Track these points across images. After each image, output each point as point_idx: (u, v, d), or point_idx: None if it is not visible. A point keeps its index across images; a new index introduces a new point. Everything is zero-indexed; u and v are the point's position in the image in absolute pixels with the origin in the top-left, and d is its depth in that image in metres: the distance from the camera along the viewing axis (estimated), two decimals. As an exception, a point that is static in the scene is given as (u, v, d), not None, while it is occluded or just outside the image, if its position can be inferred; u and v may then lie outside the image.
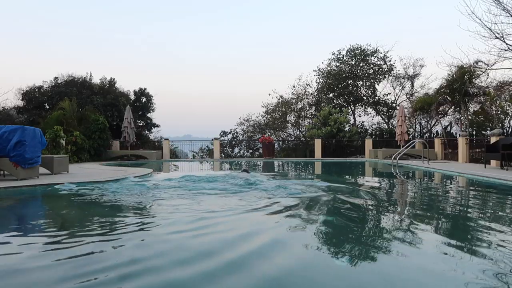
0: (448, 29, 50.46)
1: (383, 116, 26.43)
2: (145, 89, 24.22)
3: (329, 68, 26.17)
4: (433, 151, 17.09)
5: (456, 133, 21.26)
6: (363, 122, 26.48)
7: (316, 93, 26.46)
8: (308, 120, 26.07)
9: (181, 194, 6.12)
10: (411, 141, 15.64)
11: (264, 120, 26.58)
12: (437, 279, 2.43)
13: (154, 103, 24.59)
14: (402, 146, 16.39)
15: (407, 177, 10.65)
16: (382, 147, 19.39)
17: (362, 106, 26.66)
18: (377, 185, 8.63)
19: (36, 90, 21.23)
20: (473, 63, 16.21)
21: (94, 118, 16.99)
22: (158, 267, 2.63)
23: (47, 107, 20.95)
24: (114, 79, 23.49)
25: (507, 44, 13.07)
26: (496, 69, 15.60)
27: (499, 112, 20.60)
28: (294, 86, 26.68)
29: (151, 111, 24.63)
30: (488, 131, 20.17)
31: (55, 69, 76.23)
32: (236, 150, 24.64)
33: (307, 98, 26.49)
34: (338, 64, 26.13)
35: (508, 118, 21.34)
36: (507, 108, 20.63)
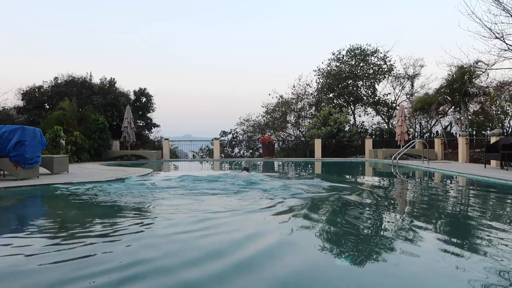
0: (448, 29, 50.51)
1: (383, 116, 26.43)
2: (145, 89, 24.24)
3: (329, 68, 26.18)
4: (433, 151, 17.08)
5: (456, 133, 21.26)
6: (363, 122, 26.52)
7: (316, 93, 26.46)
8: (308, 120, 26.07)
9: (182, 194, 6.11)
10: (411, 141, 15.64)
11: (264, 120, 26.58)
12: (443, 278, 2.43)
13: (154, 103, 24.63)
14: (402, 146, 16.39)
15: (407, 177, 10.65)
16: (382, 147, 19.39)
17: (362, 106, 26.66)
18: (378, 185, 8.62)
19: (36, 90, 21.23)
20: (473, 63, 16.22)
21: (94, 118, 16.99)
22: (161, 268, 2.62)
23: (47, 107, 20.94)
24: (114, 79, 23.51)
25: (507, 44, 13.08)
26: (496, 69, 15.62)
27: (499, 112, 20.60)
28: (294, 86, 26.72)
29: (151, 111, 24.63)
30: (488, 131, 20.17)
31: (55, 69, 76.37)
32: (236, 150, 24.64)
33: (307, 98, 26.49)
34: (338, 64, 26.13)
35: (508, 118, 21.35)
36: (507, 108, 20.63)
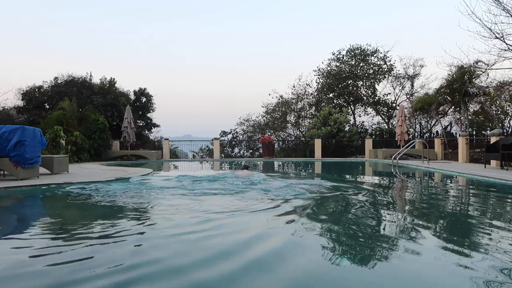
0: (448, 29, 50.53)
1: (383, 116, 26.44)
2: (145, 89, 24.24)
3: (329, 68, 26.18)
4: (433, 151, 17.08)
5: (456, 133, 21.26)
6: (363, 122, 26.53)
7: (316, 93, 26.47)
8: (308, 120, 26.07)
9: (183, 194, 6.09)
10: (411, 141, 15.64)
11: (264, 120, 26.58)
12: (449, 277, 2.44)
13: (154, 103, 24.63)
14: (402, 146, 16.39)
15: (408, 177, 10.65)
16: (382, 147, 19.39)
17: (362, 106, 26.67)
18: (380, 185, 8.62)
19: (36, 90, 21.24)
20: (473, 63, 16.22)
21: (94, 118, 16.99)
22: (168, 268, 2.60)
23: (47, 107, 20.94)
24: (114, 79, 23.52)
25: (507, 44, 13.08)
26: (496, 69, 15.62)
27: (499, 112, 20.60)
28: (294, 86, 26.72)
29: (151, 111, 24.64)
30: (488, 131, 20.17)
31: (55, 69, 76.35)
32: (236, 150, 24.64)
33: (307, 98, 26.49)
34: (338, 64, 26.14)
35: (508, 118, 21.35)
36: (507, 108, 20.63)
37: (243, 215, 4.44)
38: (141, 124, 24.42)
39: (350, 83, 26.04)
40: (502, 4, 12.35)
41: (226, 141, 24.56)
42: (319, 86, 26.32)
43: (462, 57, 30.71)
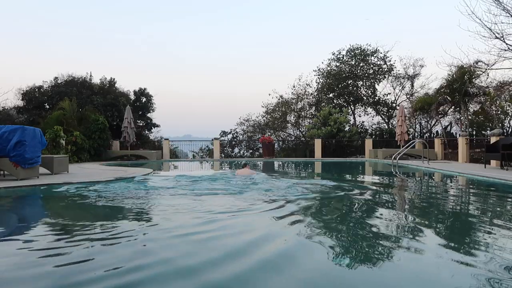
0: (448, 29, 50.51)
1: (383, 116, 26.43)
2: (145, 89, 24.24)
3: (329, 68, 26.17)
4: (433, 151, 17.08)
5: (456, 133, 21.26)
6: (363, 122, 26.52)
7: (316, 93, 26.46)
8: (308, 120, 26.07)
9: (184, 194, 6.10)
10: (411, 141, 15.64)
11: (264, 120, 26.57)
12: (451, 276, 2.44)
13: (154, 103, 24.63)
14: (402, 146, 16.39)
15: (408, 177, 10.65)
16: (382, 147, 19.39)
17: (362, 106, 26.66)
18: (380, 185, 8.62)
19: (36, 90, 21.23)
20: (473, 63, 16.21)
21: (94, 118, 16.99)
22: (178, 268, 2.60)
23: (47, 107, 20.94)
24: (114, 79, 23.51)
25: (507, 44, 13.08)
26: (496, 69, 15.62)
27: (499, 112, 20.60)
28: (294, 86, 26.71)
29: (151, 111, 24.63)
30: (488, 131, 20.17)
31: (55, 69, 76.37)
32: (236, 150, 24.64)
33: (307, 98, 26.49)
34: (338, 64, 26.13)
35: (508, 118, 21.35)
36: (507, 108, 20.63)
37: (247, 216, 4.43)
38: (141, 124, 24.42)
39: (350, 83, 26.03)
40: (502, 4, 12.36)
41: (226, 141, 24.56)
42: (319, 86, 26.32)
43: (462, 57, 30.73)
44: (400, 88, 25.78)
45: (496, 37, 12.88)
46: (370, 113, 26.74)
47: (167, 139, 20.72)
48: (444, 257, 2.87)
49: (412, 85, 25.23)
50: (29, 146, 7.56)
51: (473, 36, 15.18)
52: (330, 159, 18.68)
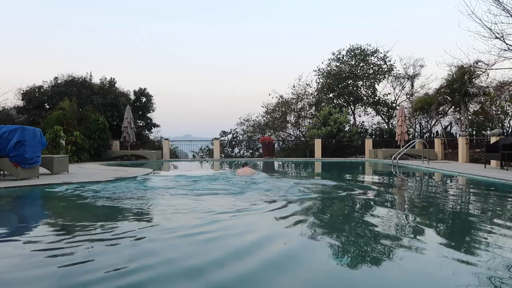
0: (448, 29, 50.51)
1: (383, 116, 26.42)
2: (145, 89, 24.24)
3: (329, 68, 26.16)
4: (433, 151, 17.08)
5: (456, 133, 21.25)
6: (363, 122, 26.51)
7: (316, 93, 26.45)
8: (308, 120, 26.06)
9: (185, 194, 6.09)
10: (411, 141, 15.63)
11: (264, 120, 26.57)
12: (450, 276, 2.44)
13: (154, 103, 24.62)
14: (402, 146, 16.39)
15: (408, 177, 10.65)
16: (382, 147, 19.39)
17: (362, 106, 26.65)
18: (380, 185, 8.62)
19: (36, 90, 21.23)
20: (473, 63, 16.21)
21: (94, 118, 16.99)
22: (184, 268, 2.60)
23: (47, 107, 20.94)
24: (114, 79, 23.51)
25: (507, 44, 13.08)
26: (496, 69, 15.62)
27: (499, 112, 20.60)
28: (294, 86, 26.70)
29: (151, 111, 24.63)
30: (488, 131, 20.17)
31: (55, 69, 76.41)
32: (236, 150, 24.63)
33: (307, 98, 26.48)
34: (338, 64, 26.12)
35: (508, 118, 21.35)
36: (507, 108, 20.63)
37: (249, 216, 4.42)
38: (141, 124, 24.42)
39: (350, 83, 26.02)
40: (502, 4, 12.36)
41: (226, 141, 24.56)
42: (319, 86, 26.32)
43: (462, 57, 30.72)
44: (400, 88, 25.80)
45: (496, 37, 12.88)
46: (370, 113, 26.77)
47: (167, 139, 20.72)
48: (448, 257, 2.87)
49: (412, 85, 25.24)
50: (29, 146, 7.56)
51: (473, 36, 15.20)
52: (330, 159, 18.68)
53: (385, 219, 4.43)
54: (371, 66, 25.77)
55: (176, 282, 2.35)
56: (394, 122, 24.39)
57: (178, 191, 6.47)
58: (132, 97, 23.97)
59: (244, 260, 2.77)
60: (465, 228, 4.10)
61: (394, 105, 25.75)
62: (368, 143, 19.64)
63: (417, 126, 24.56)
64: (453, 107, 19.94)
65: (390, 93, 25.99)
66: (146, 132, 25.12)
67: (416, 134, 24.03)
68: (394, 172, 11.50)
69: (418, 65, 24.56)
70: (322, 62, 29.25)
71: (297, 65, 77.25)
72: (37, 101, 20.88)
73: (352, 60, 25.87)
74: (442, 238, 3.61)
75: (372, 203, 5.63)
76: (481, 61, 15.68)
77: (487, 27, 12.78)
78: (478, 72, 17.37)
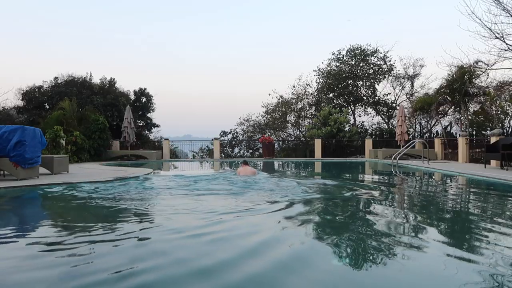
0: (448, 29, 50.53)
1: (383, 116, 26.42)
2: (145, 89, 24.24)
3: (329, 68, 26.17)
4: (433, 151, 17.08)
5: (456, 133, 21.26)
6: (363, 122, 26.51)
7: (316, 93, 26.46)
8: (308, 120, 26.06)
9: (185, 194, 6.08)
10: (411, 141, 15.64)
11: (264, 120, 26.57)
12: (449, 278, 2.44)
13: (154, 103, 24.63)
14: (402, 146, 16.39)
15: (408, 177, 10.64)
16: (382, 147, 19.39)
17: (362, 106, 26.65)
18: (380, 185, 8.62)
19: (36, 90, 21.23)
20: (473, 63, 16.21)
21: (94, 118, 16.99)
22: (192, 269, 2.59)
23: (47, 107, 20.94)
24: (114, 79, 23.51)
25: (507, 44, 13.08)
26: (496, 69, 15.62)
27: (499, 112, 20.60)
28: (294, 86, 26.71)
29: (151, 111, 24.63)
30: (488, 131, 20.17)
31: (55, 69, 76.42)
32: (236, 150, 24.64)
33: (307, 98, 26.49)
34: (338, 64, 26.12)
35: (508, 118, 21.35)
36: (507, 108, 20.64)
37: (251, 216, 4.40)
38: (141, 124, 24.42)
39: (350, 83, 26.02)
40: (502, 4, 12.36)
41: (226, 141, 24.56)
42: (319, 86, 26.32)
43: (462, 57, 30.71)
44: (400, 88, 25.81)
45: (496, 37, 12.88)
46: (370, 113, 26.77)
47: (167, 139, 20.72)
48: (452, 256, 2.86)
49: (412, 85, 25.25)
50: (29, 146, 7.56)
51: (473, 36, 15.20)
52: (330, 159, 18.67)
53: (385, 220, 4.42)
54: (371, 66, 25.77)
55: (182, 283, 2.34)
56: (394, 122, 24.39)
57: (178, 191, 6.47)
58: (132, 97, 23.98)
59: (251, 261, 2.75)
60: (466, 228, 4.10)
61: (394, 105, 25.75)
62: (368, 143, 19.64)
63: (417, 126, 24.57)
64: (453, 107, 19.94)
65: (390, 93, 26.04)
66: (146, 132, 25.12)
67: (416, 134, 24.03)
68: (394, 172, 11.50)
69: (418, 65, 24.60)
70: (322, 62, 29.28)
71: (297, 65, 77.34)
72: (37, 101, 20.88)
73: (352, 60, 25.88)
74: (445, 237, 3.61)
75: (372, 203, 5.63)
76: (481, 61, 15.69)
77: (487, 27, 12.79)
78: (478, 72, 17.38)
